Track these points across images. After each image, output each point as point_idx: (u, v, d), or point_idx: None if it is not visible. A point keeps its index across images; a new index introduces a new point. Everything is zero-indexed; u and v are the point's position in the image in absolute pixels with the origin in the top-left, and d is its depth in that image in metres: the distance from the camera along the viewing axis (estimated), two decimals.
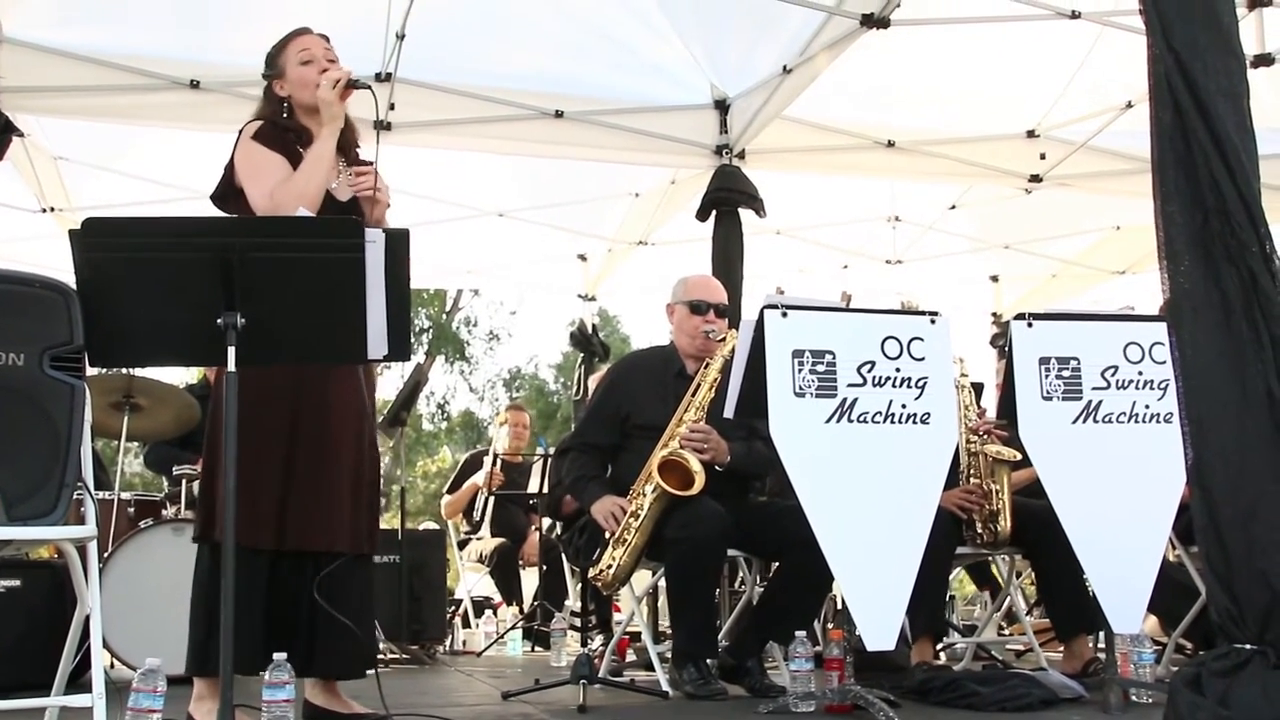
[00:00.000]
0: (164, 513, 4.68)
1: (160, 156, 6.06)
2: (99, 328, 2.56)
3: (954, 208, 7.25)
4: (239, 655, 2.79)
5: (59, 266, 4.21)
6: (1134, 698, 3.40)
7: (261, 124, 3.17)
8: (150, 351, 2.84)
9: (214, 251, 2.52)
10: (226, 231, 2.70)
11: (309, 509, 3.03)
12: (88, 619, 2.55)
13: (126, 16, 4.97)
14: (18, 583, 4.06)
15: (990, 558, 5.07)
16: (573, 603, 6.01)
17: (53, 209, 6.35)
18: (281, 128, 3.19)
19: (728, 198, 5.60)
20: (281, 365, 2.99)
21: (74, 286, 2.56)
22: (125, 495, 4.75)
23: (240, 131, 3.19)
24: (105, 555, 4.17)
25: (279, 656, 2.74)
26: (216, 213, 3.18)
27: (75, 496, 2.51)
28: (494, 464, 6.70)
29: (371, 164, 3.27)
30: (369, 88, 3.23)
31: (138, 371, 4.71)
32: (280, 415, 3.04)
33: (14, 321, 2.48)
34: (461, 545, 6.93)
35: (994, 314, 8.34)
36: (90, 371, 2.64)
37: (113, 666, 3.95)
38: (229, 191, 3.17)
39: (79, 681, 2.97)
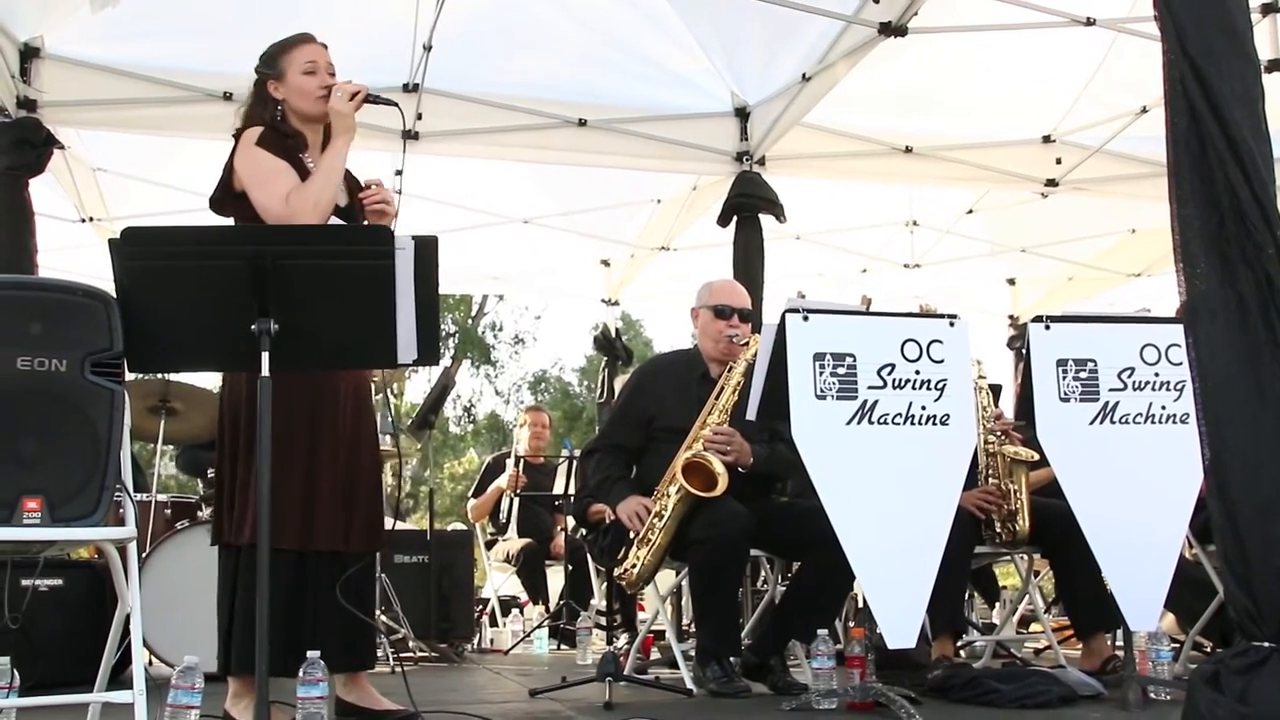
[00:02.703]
0: (199, 514, 4.75)
1: (195, 167, 6.10)
2: (137, 334, 2.60)
3: (971, 212, 7.27)
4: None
5: (99, 275, 4.29)
6: (1153, 695, 3.42)
7: (263, 130, 3.15)
8: (187, 357, 2.90)
9: (248, 260, 2.58)
10: (260, 240, 2.74)
11: (329, 511, 3.10)
12: (128, 617, 2.60)
13: (162, 32, 5.06)
14: (60, 582, 4.13)
15: (996, 561, 5.09)
16: (598, 602, 6.06)
17: (92, 219, 6.46)
18: (282, 134, 3.18)
19: (748, 203, 5.65)
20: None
21: (113, 294, 2.61)
22: (162, 497, 4.83)
23: (239, 136, 3.16)
24: (143, 556, 4.24)
25: (313, 654, 2.79)
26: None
27: (115, 498, 2.56)
28: (516, 466, 6.78)
29: (379, 183, 3.30)
30: (395, 104, 3.27)
31: (174, 376, 4.79)
32: (299, 417, 3.09)
33: (56, 329, 2.53)
34: (489, 545, 7.00)
35: (1011, 316, 8.36)
36: (128, 377, 2.69)
37: (151, 664, 4.03)
38: (227, 196, 3.15)
39: (120, 678, 3.04)
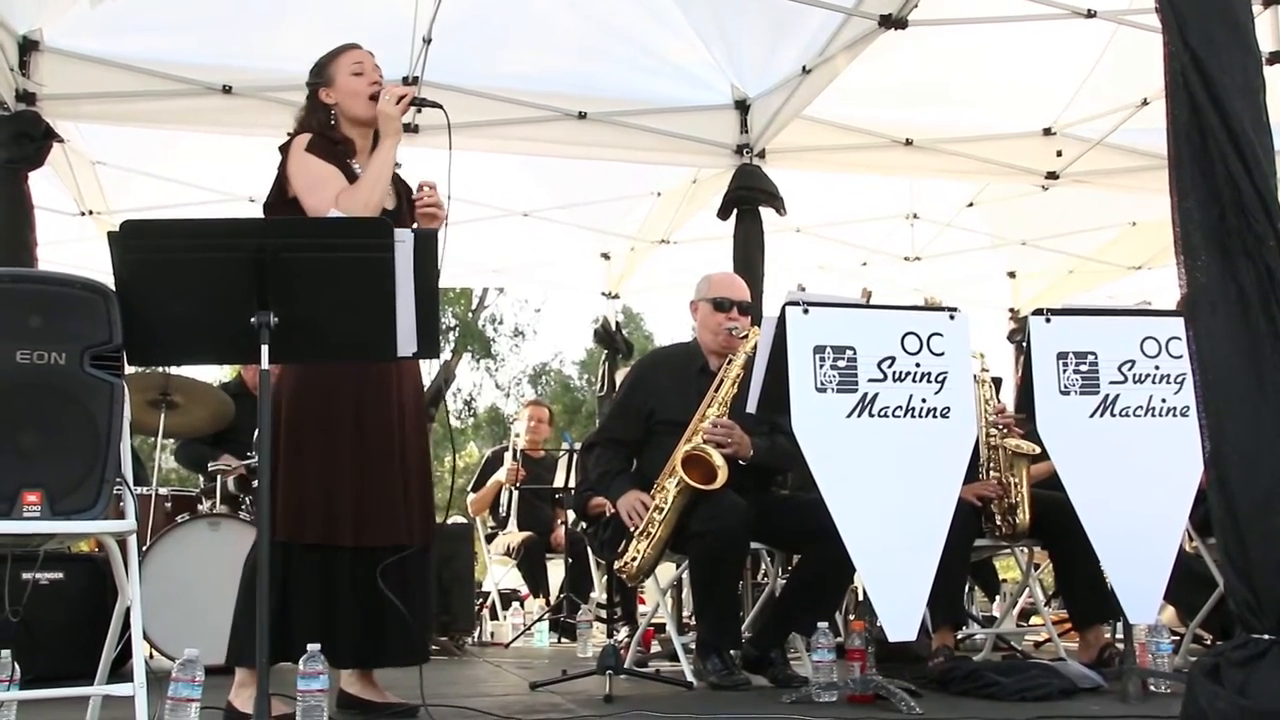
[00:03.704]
0: (200, 508, 4.76)
1: (194, 160, 6.14)
2: (137, 327, 2.60)
3: (971, 205, 7.28)
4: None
5: (98, 268, 4.30)
6: (1152, 687, 3.42)
7: (312, 137, 3.19)
8: (186, 350, 2.89)
9: (247, 252, 2.57)
10: (260, 232, 2.73)
11: (380, 504, 3.11)
12: (128, 610, 2.60)
13: (161, 25, 5.05)
14: (60, 575, 4.13)
15: (998, 554, 5.09)
16: (598, 595, 6.07)
17: (91, 212, 6.44)
18: (331, 140, 3.22)
19: (748, 196, 5.65)
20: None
21: (113, 287, 2.61)
22: (162, 490, 4.83)
23: (290, 143, 3.21)
24: (143, 549, 4.25)
25: (313, 647, 2.79)
26: (250, 214, 3.23)
27: (115, 492, 2.55)
28: (516, 459, 6.78)
29: (433, 185, 3.32)
30: (440, 106, 3.29)
31: (174, 370, 4.80)
32: (345, 411, 3.11)
33: (56, 322, 2.52)
34: (489, 539, 7.01)
35: (1011, 309, 8.36)
36: (128, 370, 2.68)
37: (152, 657, 4.04)
38: (279, 202, 3.19)
39: (120, 671, 3.04)
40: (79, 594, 4.14)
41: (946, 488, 3.25)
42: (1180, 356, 3.29)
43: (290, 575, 3.00)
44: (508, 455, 6.90)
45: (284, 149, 3.23)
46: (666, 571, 4.49)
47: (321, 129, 3.24)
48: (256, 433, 3.16)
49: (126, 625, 2.62)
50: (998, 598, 6.27)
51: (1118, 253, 7.75)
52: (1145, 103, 5.51)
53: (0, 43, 4.82)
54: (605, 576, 5.25)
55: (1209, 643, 4.52)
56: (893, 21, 4.66)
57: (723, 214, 5.74)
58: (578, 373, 22.91)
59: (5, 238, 4.79)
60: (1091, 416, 3.33)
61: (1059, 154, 6.04)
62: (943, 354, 3.28)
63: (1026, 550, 4.56)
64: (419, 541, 3.19)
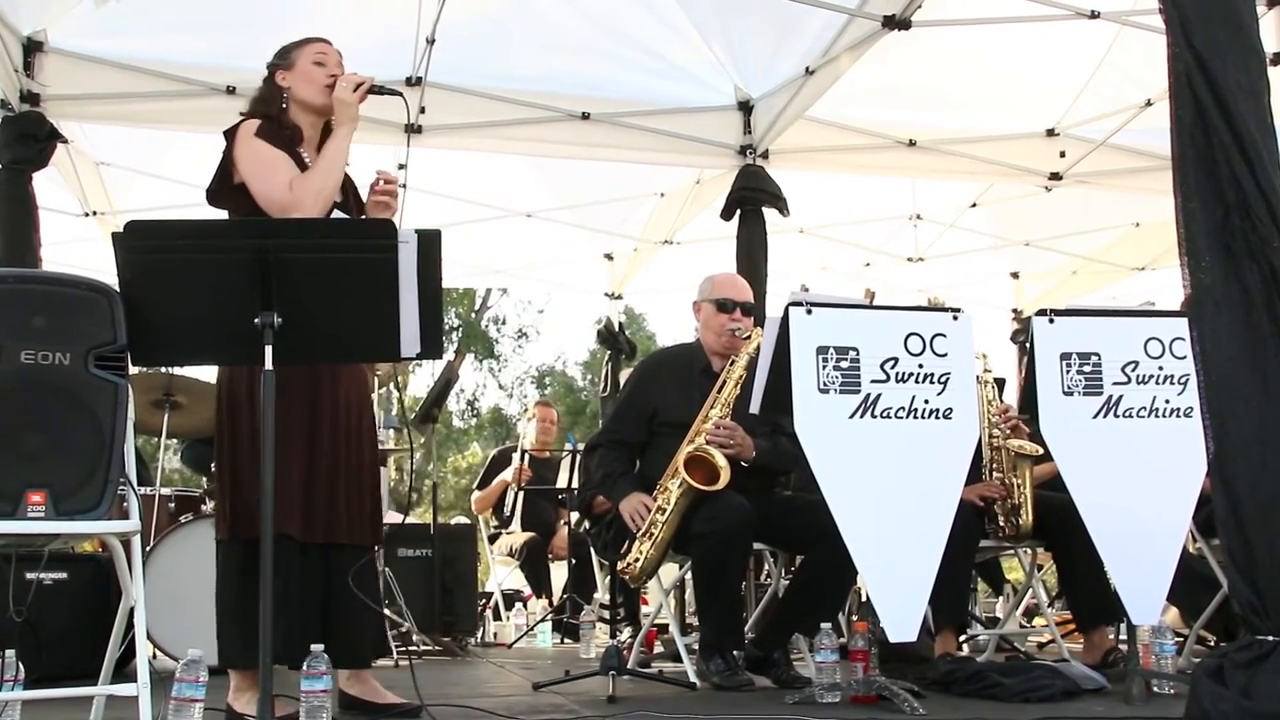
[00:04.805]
0: (203, 508, 4.76)
1: (199, 161, 6.08)
2: (141, 328, 2.60)
3: (975, 205, 7.27)
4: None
5: (102, 269, 4.30)
6: (1156, 689, 3.41)
7: (261, 122, 3.16)
8: (190, 350, 2.89)
9: (251, 253, 2.57)
10: (264, 233, 2.73)
11: (330, 502, 3.10)
12: (132, 610, 2.60)
13: (165, 26, 5.06)
14: (64, 575, 4.13)
15: (1002, 555, 5.08)
16: (601, 595, 6.08)
17: (96, 213, 6.44)
18: (279, 124, 3.19)
19: (751, 197, 5.65)
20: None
21: (117, 288, 2.61)
22: (166, 491, 4.84)
23: (237, 128, 3.16)
24: (147, 549, 4.24)
25: (316, 648, 2.79)
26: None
27: (119, 492, 2.55)
28: (522, 460, 6.78)
29: (391, 178, 3.28)
30: (399, 94, 3.28)
31: (177, 370, 4.80)
32: (298, 410, 3.09)
33: (60, 322, 2.52)
34: (492, 539, 7.01)
35: (1014, 310, 8.36)
36: (132, 370, 2.68)
37: (155, 657, 4.04)
38: (224, 188, 3.15)
39: (124, 671, 3.04)
40: (83, 594, 4.14)
41: (948, 489, 3.25)
42: (1184, 357, 3.29)
43: (248, 570, 2.99)
44: (515, 455, 6.91)
45: (229, 134, 3.17)
46: (669, 572, 4.49)
47: (271, 113, 3.21)
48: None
49: (130, 625, 2.62)
50: (1001, 598, 6.27)
51: (1121, 253, 7.75)
52: (1149, 103, 5.51)
53: (5, 44, 4.83)
54: (608, 577, 5.25)
55: (1212, 644, 4.51)
56: (896, 22, 4.66)
57: (726, 215, 5.75)
58: (581, 373, 22.94)
59: (9, 238, 4.80)
60: (1095, 417, 3.33)
61: (1062, 155, 6.04)
62: (946, 355, 3.28)
63: (1030, 551, 4.56)
64: (362, 541, 3.16)
